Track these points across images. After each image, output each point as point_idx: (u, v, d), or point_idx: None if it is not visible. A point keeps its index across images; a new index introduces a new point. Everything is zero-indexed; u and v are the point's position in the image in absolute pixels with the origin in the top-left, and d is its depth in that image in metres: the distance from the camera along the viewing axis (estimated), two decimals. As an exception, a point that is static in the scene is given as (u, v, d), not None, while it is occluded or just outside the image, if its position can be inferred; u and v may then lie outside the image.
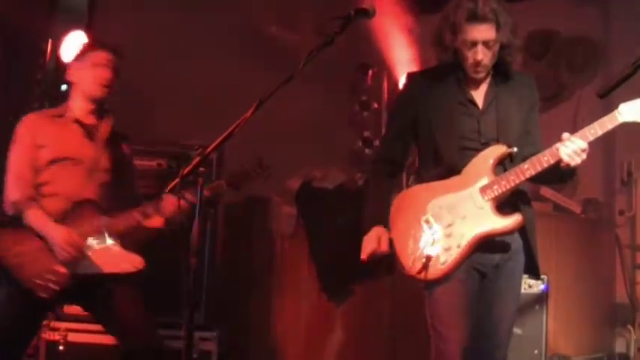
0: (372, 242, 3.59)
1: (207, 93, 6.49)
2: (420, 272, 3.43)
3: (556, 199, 6.26)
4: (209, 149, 3.44)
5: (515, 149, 3.51)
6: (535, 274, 3.71)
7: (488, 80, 3.63)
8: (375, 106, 7.28)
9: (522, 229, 3.55)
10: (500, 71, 3.62)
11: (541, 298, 5.25)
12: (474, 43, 3.47)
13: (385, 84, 7.31)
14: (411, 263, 3.48)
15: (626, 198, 6.82)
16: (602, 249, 6.53)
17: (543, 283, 5.23)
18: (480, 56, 3.49)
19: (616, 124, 3.34)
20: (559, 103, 7.34)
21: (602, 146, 6.32)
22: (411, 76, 3.91)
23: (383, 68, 7.32)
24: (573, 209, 6.42)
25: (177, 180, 3.48)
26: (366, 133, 7.26)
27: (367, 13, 3.54)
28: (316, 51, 3.44)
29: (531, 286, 5.16)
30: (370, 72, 7.33)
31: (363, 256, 3.61)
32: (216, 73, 6.56)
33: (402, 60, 7.08)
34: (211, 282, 5.52)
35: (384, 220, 3.63)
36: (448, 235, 3.46)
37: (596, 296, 6.31)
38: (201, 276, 5.42)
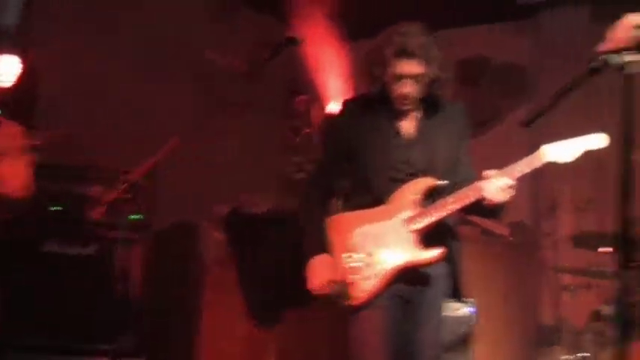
0: (324, 271, 3.58)
1: (135, 117, 6.43)
2: (340, 298, 3.48)
3: (483, 223, 6.35)
4: (136, 174, 3.44)
5: (442, 182, 3.57)
6: (460, 298, 3.77)
7: (418, 112, 3.68)
8: (306, 131, 7.32)
9: (448, 257, 3.60)
10: (430, 103, 3.69)
11: (468, 322, 5.29)
12: (402, 77, 3.53)
13: (316, 110, 7.36)
14: (333, 289, 3.52)
15: (552, 221, 6.94)
16: (529, 271, 6.64)
17: (470, 306, 5.27)
18: (406, 90, 3.55)
19: (540, 163, 3.44)
20: (492, 128, 7.49)
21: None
22: (344, 104, 3.93)
23: (314, 94, 7.38)
24: (501, 232, 6.52)
25: (103, 207, 3.48)
26: (297, 159, 7.28)
27: (294, 42, 3.60)
28: (245, 78, 3.48)
29: (458, 309, 5.21)
30: (301, 98, 7.37)
31: (315, 285, 3.60)
32: (145, 97, 6.50)
33: (333, 86, 7.15)
34: (141, 308, 5.48)
35: (327, 248, 3.64)
36: (370, 264, 3.51)
37: (523, 318, 6.41)
38: (131, 302, 5.40)
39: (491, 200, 3.43)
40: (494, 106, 7.61)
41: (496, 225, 6.46)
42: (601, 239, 5.60)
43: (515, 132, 7.00)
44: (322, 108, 7.27)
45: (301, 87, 7.40)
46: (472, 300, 5.27)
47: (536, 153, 3.45)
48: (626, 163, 2.23)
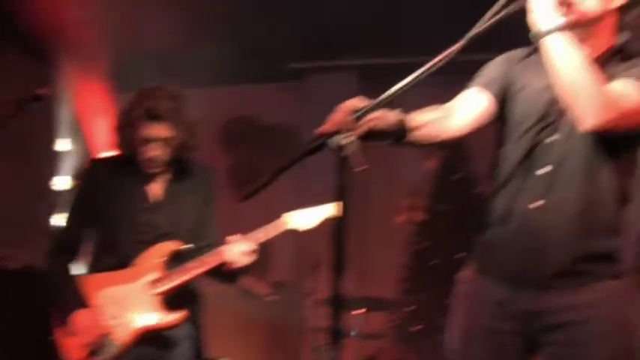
0: (78, 330, 3.49)
1: None
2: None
3: (243, 283, 6.41)
4: None
5: (186, 246, 3.62)
6: (204, 359, 3.82)
7: (167, 174, 3.73)
8: (72, 184, 7.20)
9: (192, 319, 3.65)
10: (179, 166, 3.73)
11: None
12: (149, 140, 3.56)
13: (83, 163, 7.26)
14: (77, 352, 3.48)
15: (313, 280, 7.12)
16: (290, 330, 6.77)
17: (224, 366, 5.32)
18: (152, 153, 3.58)
19: (282, 230, 3.59)
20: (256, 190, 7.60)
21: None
22: (92, 164, 3.93)
23: (82, 147, 7.29)
24: (261, 292, 6.63)
25: None
26: (62, 212, 7.13)
27: (40, 99, 3.57)
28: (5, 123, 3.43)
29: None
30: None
31: (90, 339, 3.50)
32: None
33: (101, 139, 7.07)
34: None
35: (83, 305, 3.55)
36: (114, 326, 3.49)
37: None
38: None
39: (233, 264, 3.52)
40: (261, 166, 7.72)
41: (256, 284, 6.57)
42: (355, 302, 5.82)
43: (279, 194, 7.21)
44: (89, 159, 7.18)
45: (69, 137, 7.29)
46: (227, 360, 5.33)
47: (279, 220, 3.60)
48: (339, 238, 2.36)
